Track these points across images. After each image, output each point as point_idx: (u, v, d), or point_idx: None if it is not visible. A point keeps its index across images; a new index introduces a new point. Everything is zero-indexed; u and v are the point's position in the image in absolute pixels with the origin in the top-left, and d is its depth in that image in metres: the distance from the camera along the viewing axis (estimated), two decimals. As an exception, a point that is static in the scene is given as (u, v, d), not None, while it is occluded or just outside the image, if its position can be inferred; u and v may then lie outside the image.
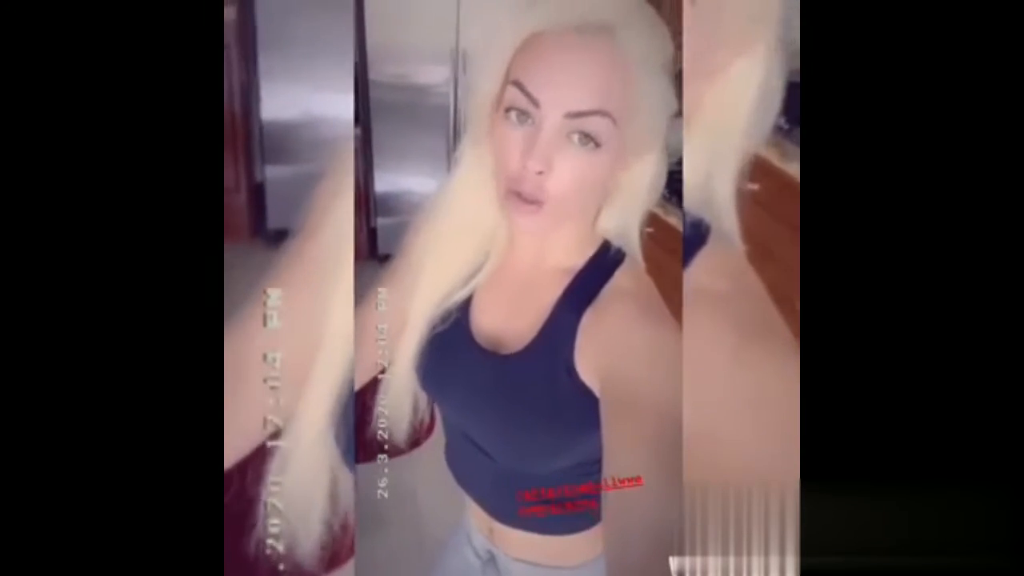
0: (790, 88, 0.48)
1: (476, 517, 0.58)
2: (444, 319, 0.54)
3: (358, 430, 0.51)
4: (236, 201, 0.49)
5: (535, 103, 0.46)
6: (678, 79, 0.48)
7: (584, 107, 0.46)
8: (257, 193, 0.50)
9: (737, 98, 0.49)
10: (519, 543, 0.55)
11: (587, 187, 0.49)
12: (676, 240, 0.50)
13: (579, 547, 0.54)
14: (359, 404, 0.52)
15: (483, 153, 0.51)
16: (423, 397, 0.55)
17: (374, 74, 0.50)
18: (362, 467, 0.52)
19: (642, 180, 0.50)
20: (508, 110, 0.47)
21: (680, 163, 0.50)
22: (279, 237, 0.47)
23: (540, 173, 0.47)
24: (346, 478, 0.50)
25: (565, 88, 0.46)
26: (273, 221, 0.50)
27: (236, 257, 0.48)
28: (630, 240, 0.51)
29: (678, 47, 0.48)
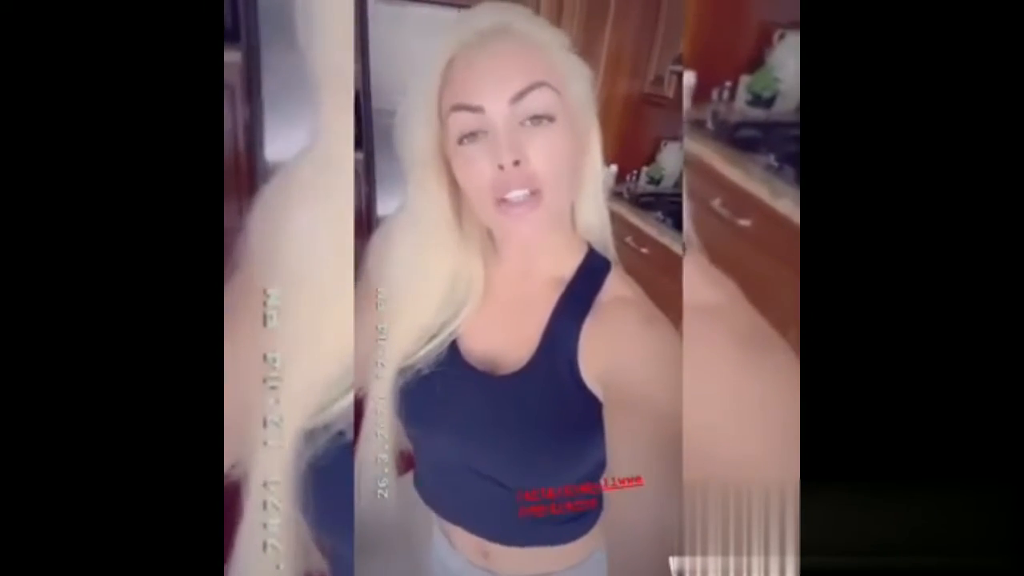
0: (777, 127, 0.50)
1: (464, 549, 0.56)
2: (426, 355, 0.53)
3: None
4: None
5: (479, 109, 0.48)
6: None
7: (522, 84, 0.48)
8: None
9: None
10: (519, 559, 0.54)
11: (564, 165, 0.50)
12: (670, 260, 0.51)
13: (578, 548, 0.54)
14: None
15: (435, 189, 0.51)
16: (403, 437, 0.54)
17: (377, 103, 0.52)
18: (362, 467, 0.52)
19: (595, 160, 0.52)
20: (461, 138, 0.49)
21: (678, 185, 0.51)
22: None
23: (517, 163, 0.48)
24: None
25: (497, 79, 0.48)
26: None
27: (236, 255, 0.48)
28: (603, 227, 0.53)
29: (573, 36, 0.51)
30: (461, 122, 0.49)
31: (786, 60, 0.50)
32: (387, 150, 0.51)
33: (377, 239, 0.53)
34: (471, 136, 0.49)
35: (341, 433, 0.48)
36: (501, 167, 0.48)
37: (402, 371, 0.53)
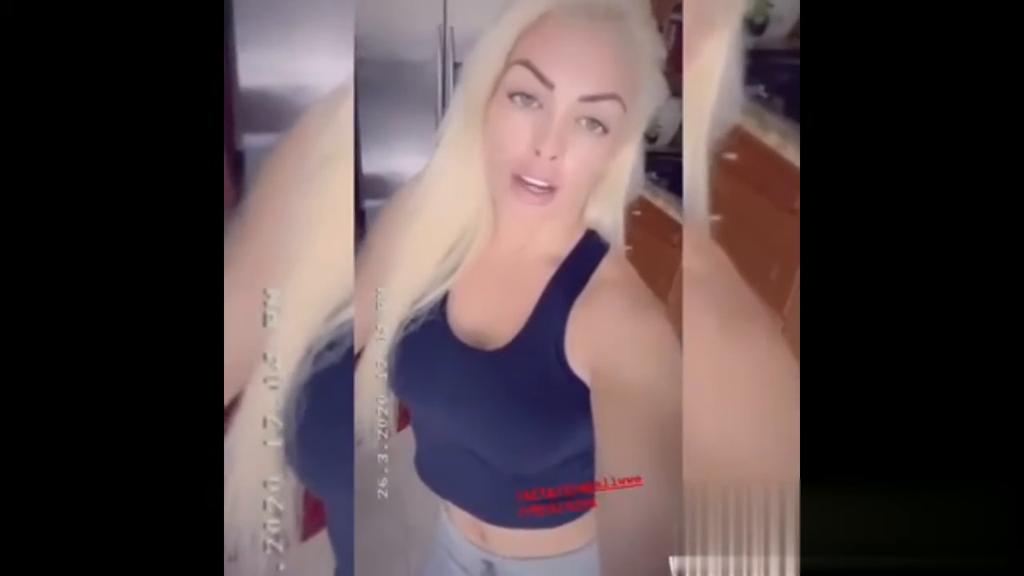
0: (769, 56, 0.48)
1: (462, 527, 0.56)
2: (417, 319, 0.52)
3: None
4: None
5: (549, 84, 0.46)
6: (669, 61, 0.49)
7: (599, 90, 0.46)
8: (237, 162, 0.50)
9: (708, 71, 0.49)
10: (517, 541, 0.54)
11: (593, 173, 0.49)
12: (667, 226, 0.50)
13: (577, 532, 0.54)
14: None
15: (471, 138, 0.50)
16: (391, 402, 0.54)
17: (361, 52, 0.49)
18: (362, 467, 0.52)
19: (625, 167, 0.50)
20: (513, 94, 0.47)
21: (677, 147, 0.50)
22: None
23: (554, 158, 0.47)
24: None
25: (580, 71, 0.46)
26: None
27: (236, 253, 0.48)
28: (616, 229, 0.51)
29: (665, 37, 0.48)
30: (523, 80, 0.46)
31: None
32: (374, 104, 0.49)
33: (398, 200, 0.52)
34: (527, 98, 0.46)
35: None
36: (538, 152, 0.47)
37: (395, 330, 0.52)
